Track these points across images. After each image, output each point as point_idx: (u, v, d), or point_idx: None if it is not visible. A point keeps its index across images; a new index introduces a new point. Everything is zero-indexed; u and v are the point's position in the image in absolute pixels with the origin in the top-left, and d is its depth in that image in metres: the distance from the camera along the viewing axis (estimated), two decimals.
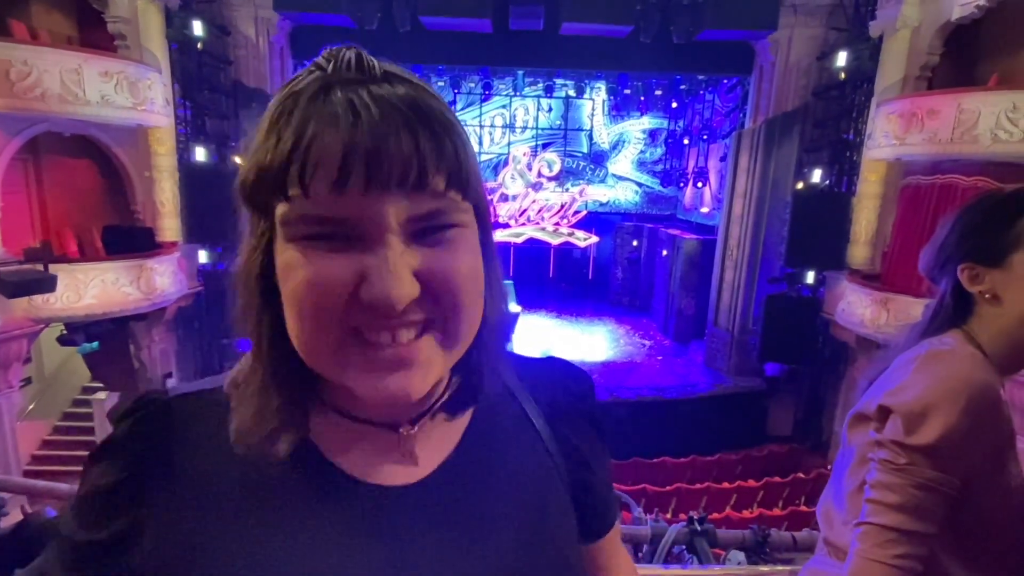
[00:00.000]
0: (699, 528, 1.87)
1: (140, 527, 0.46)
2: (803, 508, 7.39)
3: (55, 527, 0.48)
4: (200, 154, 8.79)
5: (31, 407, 8.78)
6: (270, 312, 0.44)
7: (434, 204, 0.41)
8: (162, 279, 7.95)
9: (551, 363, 0.65)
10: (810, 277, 9.54)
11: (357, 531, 0.48)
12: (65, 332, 7.42)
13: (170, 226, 8.64)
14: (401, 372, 0.42)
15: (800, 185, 9.58)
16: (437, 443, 0.54)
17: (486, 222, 0.48)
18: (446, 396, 0.52)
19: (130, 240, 7.97)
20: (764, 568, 1.64)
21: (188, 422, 0.49)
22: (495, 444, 0.56)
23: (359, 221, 0.40)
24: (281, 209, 0.40)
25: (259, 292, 0.44)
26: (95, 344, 7.89)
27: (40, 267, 6.07)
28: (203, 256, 9.26)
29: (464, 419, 0.56)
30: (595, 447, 0.62)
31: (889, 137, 7.59)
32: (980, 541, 0.92)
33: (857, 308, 8.02)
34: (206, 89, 9.04)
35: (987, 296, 0.96)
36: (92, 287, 7.15)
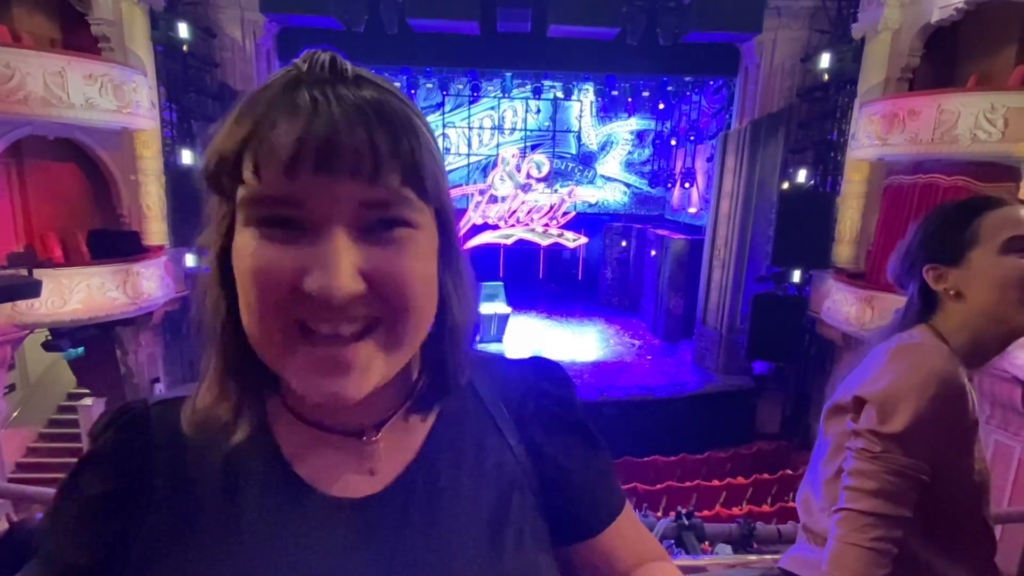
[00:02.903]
0: (687, 523, 1.90)
1: (124, 543, 0.46)
2: (792, 504, 7.43)
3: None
4: (186, 157, 8.72)
5: (15, 414, 8.64)
6: (227, 297, 0.45)
7: (386, 195, 0.41)
8: (149, 283, 7.87)
9: (528, 365, 0.63)
10: (796, 276, 9.65)
11: (316, 545, 0.48)
12: (50, 338, 7.33)
13: (156, 230, 8.56)
14: (339, 375, 0.42)
15: (785, 185, 9.69)
16: (398, 450, 0.53)
17: (449, 226, 0.48)
18: (410, 400, 0.53)
19: (116, 244, 7.88)
20: (748, 557, 1.68)
21: (167, 431, 0.49)
22: (457, 452, 0.55)
23: (308, 205, 0.40)
24: (239, 193, 0.41)
25: (218, 275, 0.45)
26: (81, 350, 7.80)
27: (24, 272, 5.99)
28: (190, 260, 9.17)
29: (427, 425, 0.55)
30: (574, 449, 0.60)
31: (872, 137, 7.70)
32: (945, 522, 0.97)
33: (842, 306, 8.13)
34: (192, 92, 8.97)
35: (951, 293, 1.01)
36: (77, 292, 7.07)
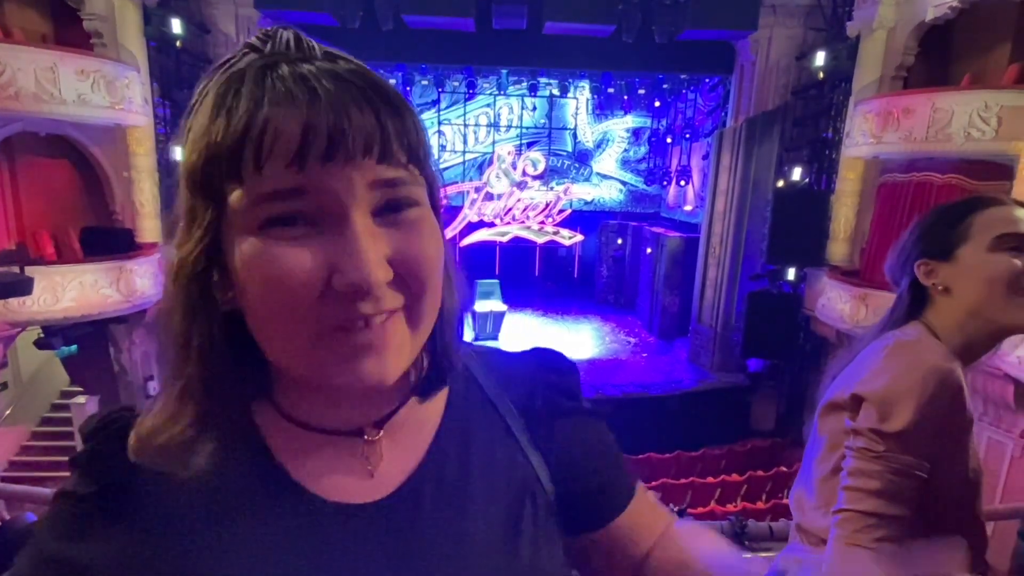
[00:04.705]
0: None
1: (100, 556, 0.45)
2: (786, 501, 7.46)
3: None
4: (180, 154, 8.66)
5: (8, 412, 8.59)
6: (207, 311, 0.42)
7: (395, 174, 0.40)
8: (142, 281, 7.83)
9: (531, 357, 0.62)
10: (791, 274, 9.67)
11: (316, 553, 0.45)
12: (42, 335, 7.28)
13: (150, 227, 8.50)
14: (375, 357, 0.40)
15: (780, 183, 9.71)
16: (401, 451, 0.50)
17: (437, 202, 0.46)
18: (413, 381, 0.50)
19: (109, 241, 7.84)
20: (742, 555, 1.67)
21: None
22: (465, 455, 0.52)
23: (321, 195, 0.38)
24: (235, 195, 0.38)
25: (198, 290, 0.42)
26: (74, 347, 7.74)
27: (16, 269, 5.95)
28: None
29: (432, 424, 0.53)
30: (582, 437, 0.60)
31: (866, 135, 7.72)
32: (939, 516, 0.96)
33: (837, 304, 8.15)
34: (186, 88, 8.88)
35: (940, 288, 1.01)
36: (70, 289, 7.02)
